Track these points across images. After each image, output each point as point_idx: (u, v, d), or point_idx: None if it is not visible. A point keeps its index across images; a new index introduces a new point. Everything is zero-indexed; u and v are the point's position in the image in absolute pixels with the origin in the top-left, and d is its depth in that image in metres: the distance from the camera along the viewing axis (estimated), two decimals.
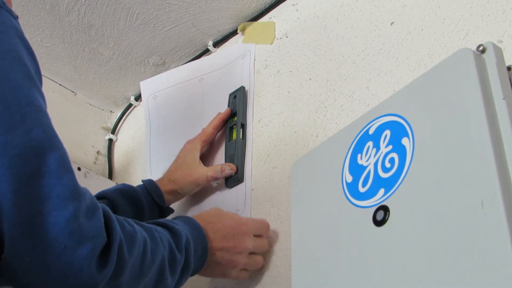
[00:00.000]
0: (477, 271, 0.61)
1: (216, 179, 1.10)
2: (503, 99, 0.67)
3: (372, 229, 0.74)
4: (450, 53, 0.79)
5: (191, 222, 0.88)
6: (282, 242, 0.99)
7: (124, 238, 0.71)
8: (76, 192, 0.66)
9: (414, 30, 0.97)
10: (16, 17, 0.73)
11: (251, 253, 0.95)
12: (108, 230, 0.69)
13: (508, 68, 0.72)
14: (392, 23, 1.02)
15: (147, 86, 1.40)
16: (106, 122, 1.52)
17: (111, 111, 1.53)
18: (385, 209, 0.73)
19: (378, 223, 0.74)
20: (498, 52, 0.72)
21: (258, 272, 0.99)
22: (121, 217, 0.73)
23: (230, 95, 1.22)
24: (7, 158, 0.63)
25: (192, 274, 0.87)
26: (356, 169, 0.81)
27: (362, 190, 0.79)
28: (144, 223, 0.79)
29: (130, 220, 0.76)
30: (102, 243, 0.67)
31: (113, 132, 1.49)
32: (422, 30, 0.96)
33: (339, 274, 0.77)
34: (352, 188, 0.80)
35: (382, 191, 0.75)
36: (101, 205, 0.70)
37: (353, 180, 0.81)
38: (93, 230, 0.66)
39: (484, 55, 0.72)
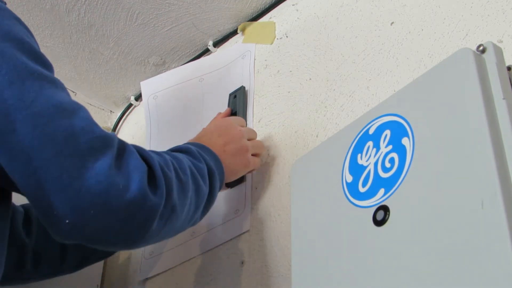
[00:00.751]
0: (477, 271, 0.61)
1: None
2: (503, 99, 0.67)
3: (372, 229, 0.74)
4: (450, 53, 0.79)
5: (189, 143, 0.93)
6: (282, 242, 0.99)
7: (160, 160, 0.75)
8: (108, 138, 0.70)
9: (414, 30, 0.97)
10: (4, 3, 0.76)
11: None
12: (144, 158, 0.73)
13: (508, 68, 0.72)
14: (392, 23, 1.02)
15: (147, 86, 1.40)
16: (106, 122, 1.52)
17: (111, 111, 1.53)
18: (385, 209, 0.73)
19: (378, 223, 0.74)
20: (498, 52, 0.72)
21: (258, 272, 0.99)
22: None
23: (230, 95, 1.22)
24: (39, 128, 0.66)
25: (221, 184, 0.92)
26: (356, 169, 0.81)
27: (362, 190, 0.79)
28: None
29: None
30: (146, 170, 0.71)
31: (113, 132, 1.49)
32: (422, 30, 0.96)
33: (339, 274, 0.77)
34: (352, 188, 0.80)
35: (382, 191, 0.75)
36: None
37: (353, 180, 0.81)
38: (134, 162, 0.71)
39: (484, 55, 0.72)
